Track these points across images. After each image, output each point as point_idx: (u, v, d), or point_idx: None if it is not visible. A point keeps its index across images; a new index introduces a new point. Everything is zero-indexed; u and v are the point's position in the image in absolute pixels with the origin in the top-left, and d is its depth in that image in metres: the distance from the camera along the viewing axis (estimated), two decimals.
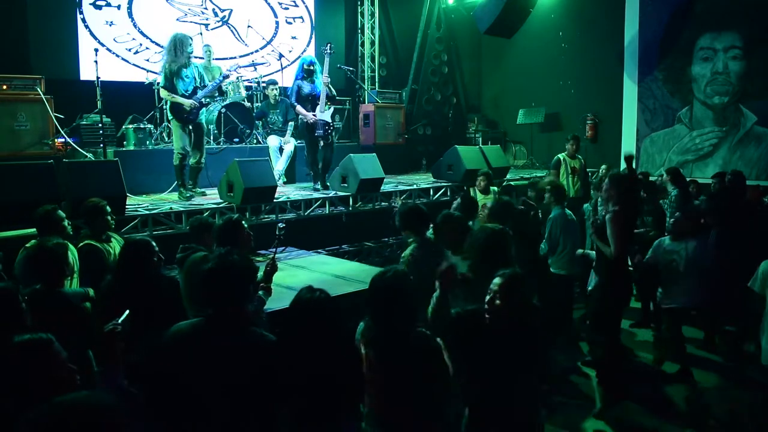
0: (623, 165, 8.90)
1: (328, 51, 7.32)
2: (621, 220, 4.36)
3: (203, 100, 6.39)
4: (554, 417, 4.22)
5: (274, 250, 3.86)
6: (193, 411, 2.32)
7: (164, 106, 6.67)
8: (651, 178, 7.74)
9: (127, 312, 2.34)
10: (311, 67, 7.40)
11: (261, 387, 2.33)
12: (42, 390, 1.73)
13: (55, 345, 1.90)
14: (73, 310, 3.29)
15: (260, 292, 3.57)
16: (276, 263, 3.69)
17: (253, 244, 3.94)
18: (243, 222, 3.76)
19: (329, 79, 7.35)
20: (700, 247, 5.03)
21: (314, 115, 7.28)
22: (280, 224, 4.01)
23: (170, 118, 6.29)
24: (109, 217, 4.27)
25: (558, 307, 5.47)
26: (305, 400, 2.41)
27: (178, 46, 6.21)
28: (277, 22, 10.62)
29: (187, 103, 6.17)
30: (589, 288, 5.09)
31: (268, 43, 10.12)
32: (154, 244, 3.47)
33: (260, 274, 3.72)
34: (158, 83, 6.32)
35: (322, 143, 7.49)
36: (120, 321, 2.25)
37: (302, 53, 10.38)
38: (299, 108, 7.36)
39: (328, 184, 7.48)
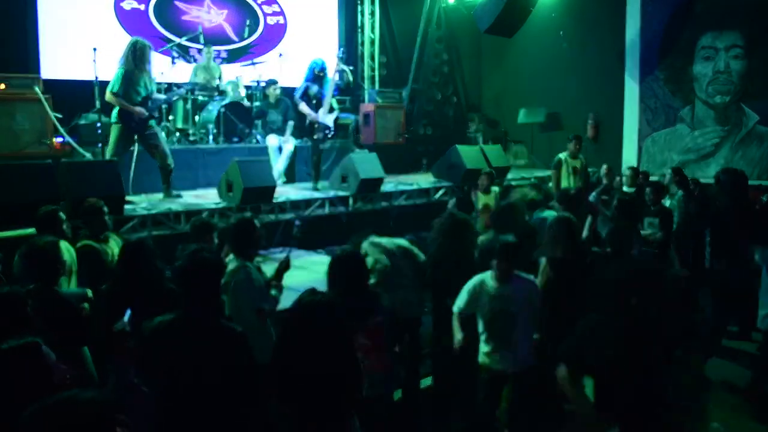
0: (624, 167, 8.95)
1: (341, 55, 7.38)
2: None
3: (154, 112, 6.29)
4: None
5: (288, 249, 3.89)
6: (175, 398, 2.40)
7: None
8: (652, 178, 7.73)
9: (129, 312, 2.36)
10: (321, 73, 7.41)
11: (232, 375, 2.45)
12: (33, 393, 1.70)
13: (42, 348, 1.88)
14: (66, 308, 3.27)
15: (273, 291, 3.58)
16: (290, 261, 3.74)
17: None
18: (255, 221, 3.79)
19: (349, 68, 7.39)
20: None
21: (317, 115, 7.28)
22: (296, 222, 4.05)
23: (114, 122, 6.11)
24: (107, 218, 4.26)
25: None
26: (308, 401, 2.42)
27: (138, 54, 6.04)
28: (278, 22, 10.61)
29: (137, 110, 6.03)
30: None
31: (269, 43, 10.10)
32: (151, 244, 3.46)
33: (271, 272, 3.75)
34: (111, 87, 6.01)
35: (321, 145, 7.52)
36: (126, 320, 2.28)
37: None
38: (303, 106, 7.34)
39: (318, 187, 7.47)
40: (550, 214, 5.44)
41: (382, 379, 3.29)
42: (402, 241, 4.28)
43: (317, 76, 7.37)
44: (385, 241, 4.14)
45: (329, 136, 7.47)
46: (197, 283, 2.53)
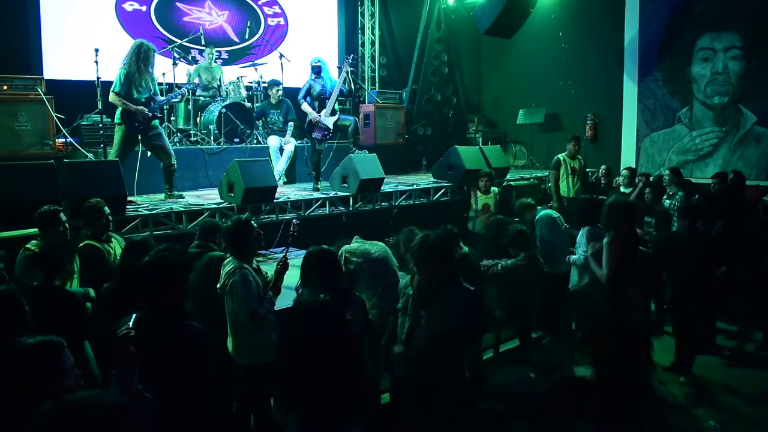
0: (623, 167, 8.96)
1: (349, 60, 7.42)
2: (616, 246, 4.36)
3: (156, 112, 6.33)
4: None
5: (285, 248, 3.86)
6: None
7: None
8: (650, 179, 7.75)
9: (135, 315, 2.34)
10: (317, 64, 7.49)
11: (191, 370, 2.50)
12: (47, 393, 1.72)
13: (65, 350, 1.89)
14: (70, 303, 3.31)
15: (269, 293, 3.57)
16: (288, 262, 3.70)
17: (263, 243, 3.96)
18: (252, 222, 3.76)
19: (349, 70, 7.45)
20: None
21: (319, 115, 7.33)
22: (294, 220, 4.02)
23: (118, 123, 6.15)
24: (109, 218, 4.29)
25: (551, 305, 5.55)
26: (312, 404, 2.42)
27: (142, 57, 6.09)
28: (279, 23, 10.64)
29: (139, 110, 6.07)
30: (571, 285, 5.13)
31: (270, 44, 10.13)
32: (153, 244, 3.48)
33: (270, 273, 3.74)
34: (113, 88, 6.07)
35: (318, 146, 7.56)
36: (131, 324, 2.25)
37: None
38: (306, 105, 7.40)
39: (319, 187, 7.51)
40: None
41: None
42: (382, 252, 4.26)
43: (314, 68, 7.46)
44: (373, 255, 4.11)
45: (327, 137, 7.52)
46: (155, 281, 2.61)
